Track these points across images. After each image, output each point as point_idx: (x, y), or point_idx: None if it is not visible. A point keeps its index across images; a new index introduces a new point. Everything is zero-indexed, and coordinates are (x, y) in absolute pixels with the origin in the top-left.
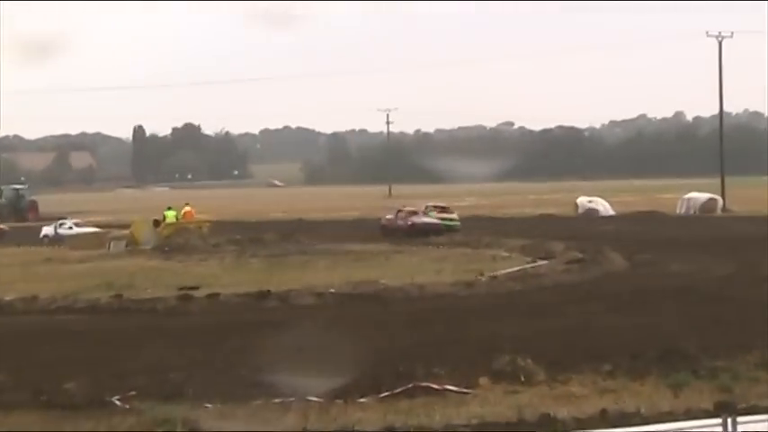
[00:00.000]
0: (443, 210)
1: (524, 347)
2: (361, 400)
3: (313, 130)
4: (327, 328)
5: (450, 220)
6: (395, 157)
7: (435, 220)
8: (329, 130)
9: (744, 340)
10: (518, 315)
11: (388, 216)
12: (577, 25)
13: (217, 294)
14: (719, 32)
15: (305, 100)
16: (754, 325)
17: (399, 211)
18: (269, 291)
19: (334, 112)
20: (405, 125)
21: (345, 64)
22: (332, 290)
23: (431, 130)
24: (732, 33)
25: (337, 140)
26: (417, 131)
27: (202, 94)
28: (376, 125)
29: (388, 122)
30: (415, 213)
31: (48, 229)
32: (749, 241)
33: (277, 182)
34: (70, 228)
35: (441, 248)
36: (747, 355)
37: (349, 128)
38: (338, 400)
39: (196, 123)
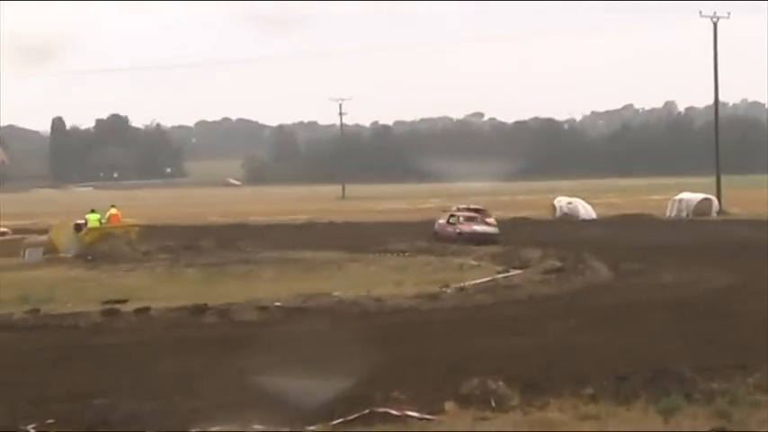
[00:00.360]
0: (479, 213)
1: (496, 368)
2: (311, 428)
3: (256, 123)
4: (273, 347)
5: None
6: (349, 153)
7: (492, 229)
8: (274, 123)
9: (743, 360)
10: (488, 332)
11: (441, 220)
12: (556, 6)
13: (147, 309)
14: (714, 12)
15: (247, 88)
16: (756, 343)
17: (451, 215)
18: (206, 305)
19: (280, 102)
20: (360, 116)
21: (293, 47)
22: (278, 303)
23: (390, 122)
24: (729, 13)
25: (284, 134)
26: (374, 123)
27: (130, 81)
28: (328, 117)
29: (341, 113)
30: (473, 219)
31: None
32: (749, 247)
33: (233, 180)
34: None
35: (401, 256)
36: (747, 377)
37: (297, 120)
38: (284, 429)
39: (123, 114)
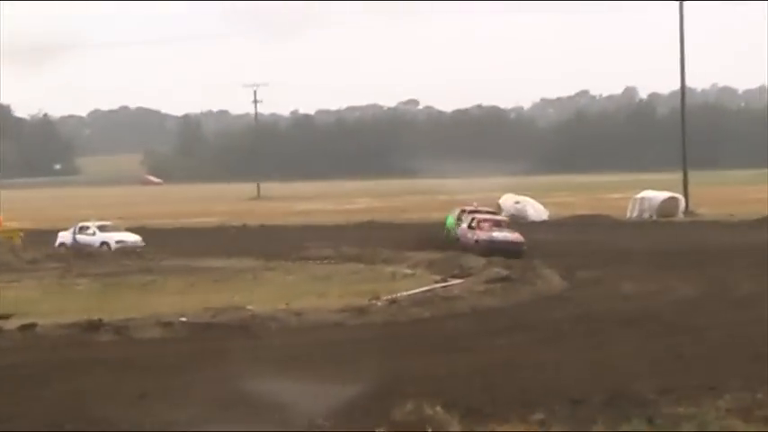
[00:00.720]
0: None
1: (433, 391)
2: None
3: (158, 112)
4: (177, 369)
5: None
6: (265, 147)
7: (518, 237)
8: (179, 112)
9: (712, 380)
10: (425, 350)
11: (464, 225)
12: None
13: (33, 325)
14: None
15: (147, 72)
16: (725, 361)
17: (473, 218)
18: (101, 320)
19: (185, 89)
20: (278, 105)
21: (200, 26)
22: (183, 318)
23: (311, 110)
24: None
25: (189, 125)
26: (294, 113)
27: (11, 64)
28: (240, 105)
29: (255, 101)
30: (497, 223)
31: (65, 235)
32: (717, 253)
33: (153, 178)
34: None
35: (325, 264)
36: (717, 399)
37: (205, 109)
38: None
39: (5, 103)
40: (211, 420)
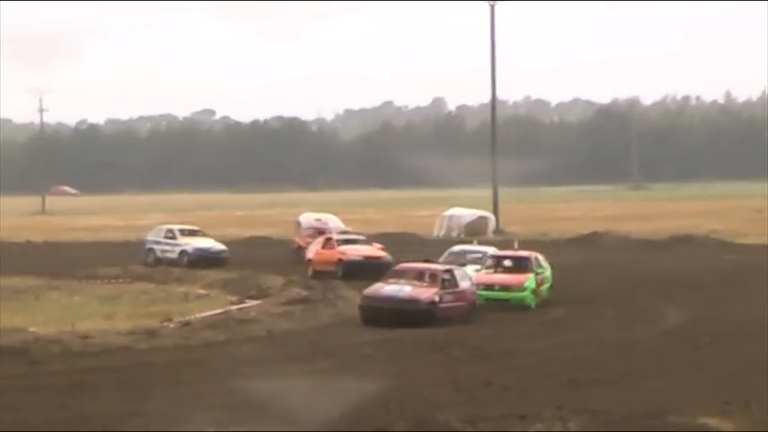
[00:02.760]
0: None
1: (225, 420)
2: None
3: None
4: None
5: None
6: (50, 158)
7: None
8: None
9: (523, 409)
10: (218, 376)
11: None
12: None
13: None
14: None
15: None
16: (539, 388)
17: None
18: None
19: None
20: (65, 114)
21: None
22: None
23: (101, 120)
24: None
25: None
26: (81, 122)
27: None
28: (25, 113)
29: (41, 110)
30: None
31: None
32: None
33: (68, 188)
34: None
35: (113, 283)
36: (527, 428)
37: None
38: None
39: None
40: None
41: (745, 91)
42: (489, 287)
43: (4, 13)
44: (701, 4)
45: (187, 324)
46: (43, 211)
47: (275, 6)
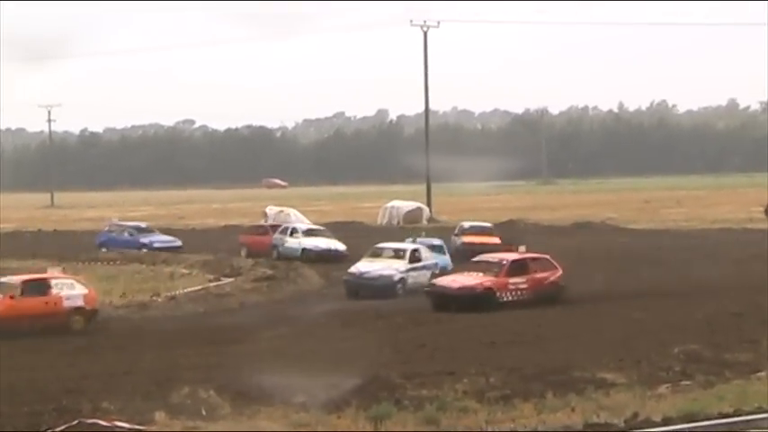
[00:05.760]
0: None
1: (207, 377)
2: None
3: None
4: None
5: None
6: (58, 161)
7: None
8: None
9: (452, 367)
10: (200, 341)
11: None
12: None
13: None
14: (425, 21)
15: None
16: (465, 349)
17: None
18: None
19: None
20: (70, 123)
21: None
22: None
23: (100, 129)
24: (438, 23)
25: None
26: (84, 131)
27: None
28: (36, 124)
29: (49, 120)
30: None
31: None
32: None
33: (279, 181)
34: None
35: (111, 265)
36: (456, 383)
37: (4, 126)
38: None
39: None
40: None
41: (636, 101)
42: None
43: (19, 36)
44: (595, 29)
45: (173, 298)
46: (52, 205)
47: (247, 30)
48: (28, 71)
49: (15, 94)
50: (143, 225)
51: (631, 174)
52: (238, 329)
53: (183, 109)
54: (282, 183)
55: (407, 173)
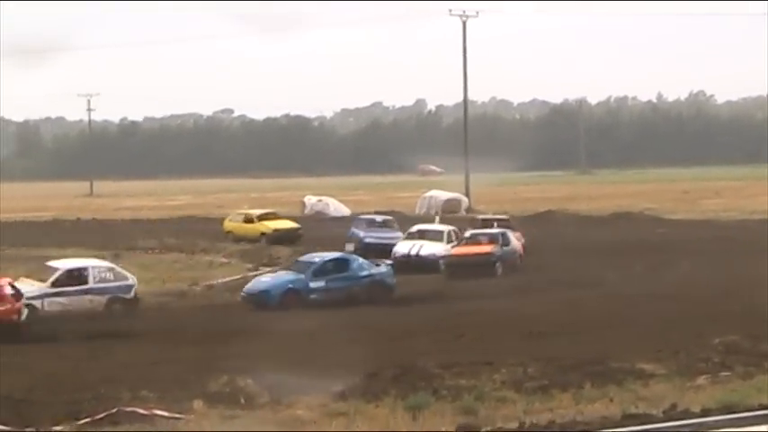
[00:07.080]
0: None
1: (244, 367)
2: (57, 428)
3: (1, 118)
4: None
5: None
6: (97, 150)
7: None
8: (20, 118)
9: (490, 357)
10: (237, 330)
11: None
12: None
13: None
14: (464, 11)
15: None
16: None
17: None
18: None
19: (25, 97)
20: (109, 113)
21: (38, 40)
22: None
23: (139, 118)
24: (477, 13)
25: (29, 130)
26: (123, 120)
27: None
28: (76, 113)
29: (89, 109)
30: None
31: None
32: None
33: (434, 167)
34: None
35: (150, 253)
36: (494, 374)
37: (44, 115)
38: (29, 429)
39: None
40: None
41: (674, 92)
42: None
43: (59, 32)
44: (634, 19)
45: (211, 287)
46: (91, 194)
47: (287, 21)
48: (67, 60)
49: (56, 84)
50: (378, 219)
51: (670, 164)
52: (276, 319)
53: (221, 98)
54: (438, 169)
55: (446, 163)
